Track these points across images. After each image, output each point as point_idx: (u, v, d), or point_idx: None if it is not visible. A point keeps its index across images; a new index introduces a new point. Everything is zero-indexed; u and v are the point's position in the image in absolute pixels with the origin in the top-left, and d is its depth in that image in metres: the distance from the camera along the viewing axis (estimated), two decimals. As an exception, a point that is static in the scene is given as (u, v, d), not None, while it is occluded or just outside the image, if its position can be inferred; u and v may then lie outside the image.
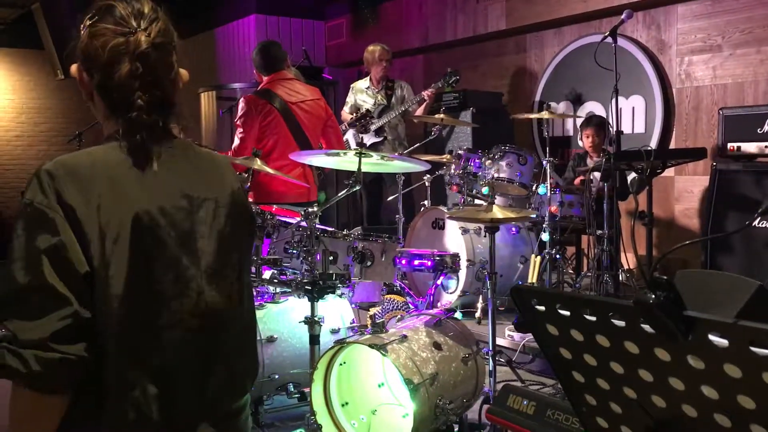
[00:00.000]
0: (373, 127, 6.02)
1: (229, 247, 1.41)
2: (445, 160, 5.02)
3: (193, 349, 1.34)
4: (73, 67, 1.38)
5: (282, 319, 3.29)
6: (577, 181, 5.16)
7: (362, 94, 6.24)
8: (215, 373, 1.38)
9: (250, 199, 4.12)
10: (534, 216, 4.62)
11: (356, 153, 2.96)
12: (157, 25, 1.34)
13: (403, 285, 4.09)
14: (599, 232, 4.54)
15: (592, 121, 5.38)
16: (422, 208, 5.15)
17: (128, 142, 1.31)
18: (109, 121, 1.37)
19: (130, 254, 1.26)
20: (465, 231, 4.75)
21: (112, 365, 1.27)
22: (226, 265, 1.40)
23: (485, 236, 4.48)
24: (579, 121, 5.59)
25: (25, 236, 1.22)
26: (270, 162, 4.07)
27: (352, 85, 6.40)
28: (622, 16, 4.48)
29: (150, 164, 1.31)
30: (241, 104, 4.25)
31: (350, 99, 6.31)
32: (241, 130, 4.19)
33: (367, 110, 5.70)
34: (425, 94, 6.00)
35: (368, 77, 6.29)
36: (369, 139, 6.05)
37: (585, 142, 5.36)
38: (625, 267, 4.92)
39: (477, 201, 4.86)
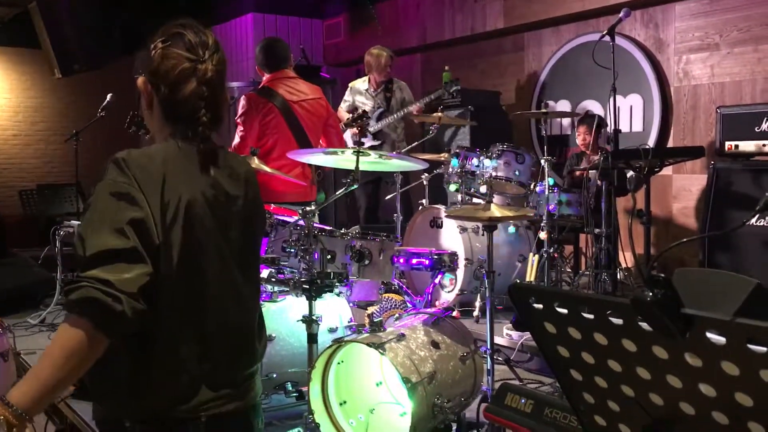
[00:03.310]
0: (371, 130, 5.98)
1: (249, 238, 1.70)
2: (443, 158, 5.02)
3: (226, 319, 1.60)
4: (140, 79, 1.63)
5: (280, 317, 3.29)
6: (578, 173, 5.15)
7: (361, 96, 6.17)
8: (242, 340, 1.66)
9: None
10: (532, 214, 4.62)
11: (354, 152, 2.96)
12: (218, 55, 1.63)
13: (401, 284, 4.08)
14: (597, 230, 4.55)
15: (586, 119, 5.38)
16: (420, 207, 5.15)
17: (188, 146, 1.58)
18: (164, 126, 1.63)
19: (184, 234, 1.51)
20: (463, 230, 4.75)
21: (165, 324, 1.50)
22: (248, 252, 1.69)
23: (483, 235, 4.48)
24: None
25: (111, 209, 1.44)
26: (270, 161, 4.06)
27: (350, 85, 6.33)
28: (620, 15, 4.48)
29: (203, 165, 1.59)
30: (242, 102, 4.23)
31: (348, 98, 6.25)
32: (241, 128, 4.18)
33: (364, 111, 5.68)
34: (414, 108, 5.95)
35: (366, 78, 6.23)
36: (368, 142, 6.02)
37: (578, 139, 5.37)
38: (623, 265, 4.92)
39: (475, 199, 4.86)
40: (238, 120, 4.21)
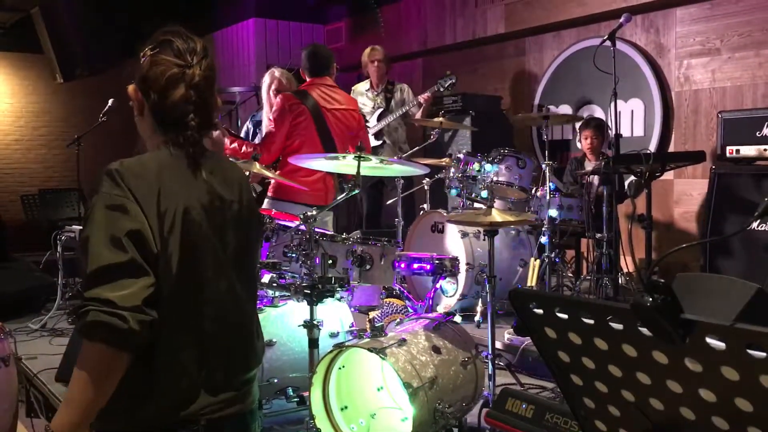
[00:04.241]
0: (372, 131, 6.02)
1: (246, 241, 1.71)
2: (444, 163, 5.02)
3: (224, 322, 1.62)
4: (131, 87, 1.66)
5: (281, 322, 3.29)
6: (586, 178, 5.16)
7: (362, 97, 6.24)
8: (239, 345, 1.67)
9: (269, 194, 4.34)
10: (533, 219, 4.62)
11: (355, 156, 2.96)
12: (206, 61, 1.65)
13: (402, 288, 4.09)
14: (598, 235, 4.55)
15: (591, 122, 5.39)
16: (421, 212, 5.15)
17: (180, 152, 1.60)
18: (155, 133, 1.65)
19: (181, 241, 1.53)
20: (464, 234, 4.75)
21: (164, 331, 1.50)
22: (245, 255, 1.70)
23: (484, 240, 4.48)
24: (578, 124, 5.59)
25: (107, 222, 1.46)
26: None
27: (352, 88, 6.40)
28: (621, 20, 4.48)
29: (196, 170, 1.61)
30: (278, 100, 4.33)
31: None
32: (272, 125, 4.27)
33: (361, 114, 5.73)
34: (422, 98, 6.02)
35: (368, 80, 6.31)
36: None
37: (583, 143, 5.37)
38: (625, 270, 4.92)
39: (476, 204, 4.86)
40: (271, 117, 4.31)
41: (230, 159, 4.06)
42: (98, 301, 1.41)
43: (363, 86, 6.32)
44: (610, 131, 5.21)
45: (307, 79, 4.46)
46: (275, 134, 4.24)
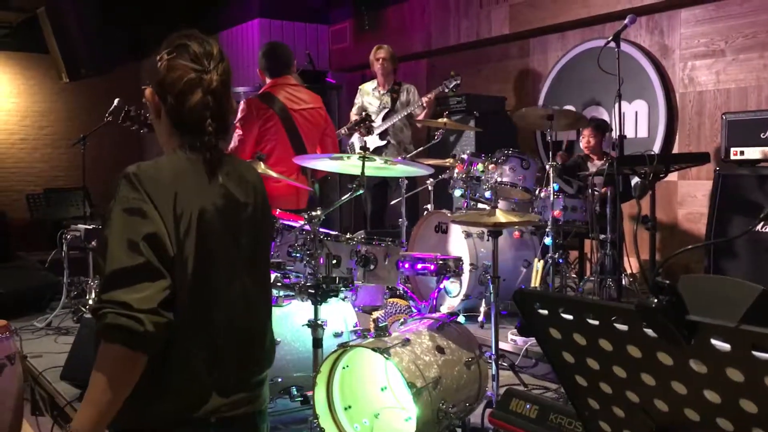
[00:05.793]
0: (377, 131, 6.03)
1: (259, 243, 1.73)
2: (448, 164, 5.03)
3: (236, 324, 1.63)
4: (148, 91, 1.67)
5: (285, 322, 3.29)
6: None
7: (368, 96, 6.28)
8: (251, 347, 1.68)
9: None
10: (537, 220, 4.61)
11: (360, 157, 2.97)
12: (223, 65, 1.65)
13: (406, 289, 4.09)
14: (602, 236, 4.54)
15: (591, 122, 5.39)
16: (425, 212, 5.16)
17: (196, 156, 1.62)
18: (172, 137, 1.66)
19: (196, 244, 1.55)
20: (468, 235, 4.75)
21: (178, 332, 1.52)
22: (258, 257, 1.72)
23: (488, 240, 4.48)
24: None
25: (125, 226, 1.48)
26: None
27: (360, 87, 6.44)
28: (626, 21, 4.48)
29: (212, 174, 1.62)
30: (242, 106, 4.22)
31: (357, 101, 6.37)
32: (240, 132, 4.16)
33: (367, 114, 5.72)
34: (424, 100, 6.01)
35: (375, 79, 6.34)
36: (373, 143, 6.07)
37: (582, 142, 5.38)
38: (628, 271, 4.91)
39: (480, 205, 4.86)
40: (237, 124, 4.19)
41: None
42: (115, 303, 1.43)
43: (370, 85, 6.35)
44: (612, 132, 5.22)
45: (268, 81, 4.32)
46: (245, 141, 4.13)
